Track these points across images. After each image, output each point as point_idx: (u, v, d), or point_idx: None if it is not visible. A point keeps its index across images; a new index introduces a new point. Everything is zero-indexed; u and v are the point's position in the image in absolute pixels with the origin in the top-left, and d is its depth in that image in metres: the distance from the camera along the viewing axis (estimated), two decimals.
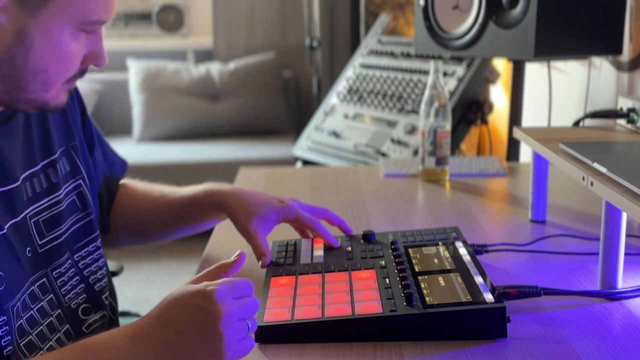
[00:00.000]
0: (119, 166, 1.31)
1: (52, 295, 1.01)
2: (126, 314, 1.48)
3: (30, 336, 0.94)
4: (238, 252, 0.91)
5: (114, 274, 1.40)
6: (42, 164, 1.04)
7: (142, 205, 1.29)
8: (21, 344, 0.92)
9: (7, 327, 0.90)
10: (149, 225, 1.30)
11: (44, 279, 1.00)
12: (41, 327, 0.97)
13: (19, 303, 0.93)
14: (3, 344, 0.89)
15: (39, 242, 1.00)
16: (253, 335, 0.85)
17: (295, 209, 1.21)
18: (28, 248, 0.97)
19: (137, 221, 1.29)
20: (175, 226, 1.30)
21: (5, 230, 0.93)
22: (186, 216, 1.27)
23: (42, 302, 0.98)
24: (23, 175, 0.99)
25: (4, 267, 0.90)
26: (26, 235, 0.97)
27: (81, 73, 0.97)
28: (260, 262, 1.14)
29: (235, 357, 0.81)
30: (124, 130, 4.00)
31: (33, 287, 0.97)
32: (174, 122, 3.85)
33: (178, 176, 3.54)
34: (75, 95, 1.17)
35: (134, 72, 3.92)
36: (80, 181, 1.12)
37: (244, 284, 0.84)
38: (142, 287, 3.16)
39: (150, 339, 0.80)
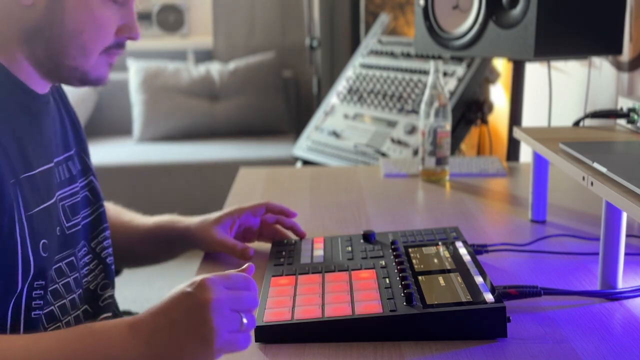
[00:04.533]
0: None
1: (77, 274, 1.07)
2: (127, 313, 1.48)
3: (53, 307, 1.01)
4: (247, 264, 0.90)
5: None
6: (64, 155, 1.11)
7: (113, 228, 1.29)
8: (44, 311, 0.99)
9: (42, 292, 0.97)
10: (118, 249, 1.29)
11: (72, 258, 1.06)
12: (64, 300, 1.03)
13: (52, 271, 1.01)
14: (34, 306, 0.95)
15: (66, 225, 1.06)
16: (252, 334, 0.85)
17: (243, 206, 1.25)
18: (58, 227, 1.04)
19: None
20: (139, 253, 1.33)
21: (48, 204, 1.00)
22: (150, 242, 1.30)
23: (69, 279, 1.05)
24: (56, 160, 1.06)
25: (48, 235, 0.98)
26: (57, 215, 1.04)
27: (118, 46, 1.04)
28: (245, 256, 1.18)
29: (226, 347, 0.81)
30: (124, 130, 4.00)
31: (60, 264, 1.04)
32: (174, 122, 3.85)
33: (178, 176, 3.54)
34: (74, 114, 1.22)
35: (134, 72, 3.92)
36: (92, 177, 1.18)
37: (240, 276, 0.85)
38: (142, 287, 3.16)
39: (144, 327, 0.82)
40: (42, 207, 0.99)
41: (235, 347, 0.82)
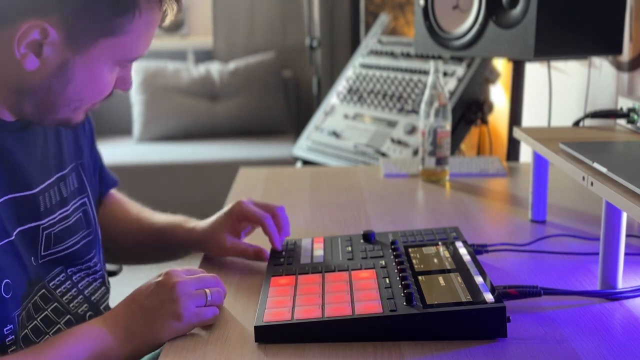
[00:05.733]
0: (111, 182, 1.31)
1: (56, 303, 1.02)
2: None
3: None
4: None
5: (113, 273, 1.40)
6: (55, 176, 1.05)
7: (119, 222, 1.28)
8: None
9: (14, 337, 0.92)
10: (122, 242, 1.28)
11: (44, 290, 1.00)
12: (47, 336, 0.98)
13: (24, 312, 0.94)
14: (9, 353, 0.91)
15: (42, 253, 1.00)
16: (217, 307, 0.97)
17: (242, 204, 1.18)
18: (32, 257, 0.98)
19: (111, 237, 1.25)
20: (144, 250, 1.30)
21: (13, 237, 0.93)
22: (156, 243, 1.27)
23: (46, 312, 0.99)
24: (41, 187, 1.00)
25: (11, 274, 0.92)
26: (33, 244, 0.98)
27: (108, 96, 1.00)
28: (260, 257, 1.15)
29: (194, 319, 0.93)
30: (124, 130, 4.00)
31: (36, 298, 0.98)
32: (174, 122, 3.85)
33: (178, 176, 3.54)
34: (87, 121, 1.19)
35: (134, 72, 3.90)
36: (86, 199, 1.13)
37: (197, 270, 1.01)
38: None
39: (117, 315, 0.94)
40: (4, 241, 0.92)
41: (202, 318, 0.94)
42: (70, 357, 0.88)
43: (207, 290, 0.95)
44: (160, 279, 0.95)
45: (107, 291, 1.17)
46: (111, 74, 0.96)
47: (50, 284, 1.02)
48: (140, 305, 0.93)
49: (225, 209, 1.20)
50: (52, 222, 1.02)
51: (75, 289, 1.07)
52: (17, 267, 0.94)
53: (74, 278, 1.08)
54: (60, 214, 1.05)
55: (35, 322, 0.97)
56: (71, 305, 1.05)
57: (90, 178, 1.17)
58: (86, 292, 1.10)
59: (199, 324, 0.94)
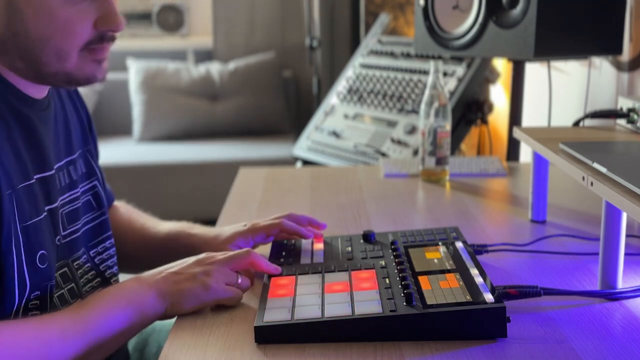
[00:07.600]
0: (110, 197, 1.29)
1: (73, 284, 1.05)
2: None
3: None
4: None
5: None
6: (65, 160, 1.08)
7: (124, 233, 1.27)
8: None
9: (38, 302, 0.95)
10: (128, 255, 1.27)
11: (66, 268, 1.04)
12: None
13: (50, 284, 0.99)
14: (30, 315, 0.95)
15: (63, 233, 1.04)
16: (242, 293, 1.02)
17: (257, 225, 1.20)
18: (58, 237, 1.02)
19: (117, 248, 1.24)
20: (150, 260, 1.25)
21: (45, 213, 0.98)
22: (161, 253, 1.24)
23: (63, 290, 1.03)
24: (55, 167, 1.03)
25: (46, 247, 0.96)
26: (57, 223, 1.02)
27: (100, 39, 0.96)
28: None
29: (221, 293, 0.99)
30: (124, 130, 4.00)
31: (56, 275, 1.01)
32: (174, 122, 3.85)
33: (178, 176, 3.54)
34: (86, 112, 1.20)
35: (134, 72, 3.92)
36: (96, 182, 1.16)
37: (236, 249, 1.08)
38: None
39: (150, 276, 0.99)
40: (39, 217, 0.95)
41: (228, 295, 1.00)
42: (109, 316, 0.93)
43: (239, 276, 1.02)
44: (199, 257, 1.03)
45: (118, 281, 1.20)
46: (72, 6, 0.92)
47: (74, 264, 1.06)
48: (174, 271, 1.00)
49: (236, 227, 1.20)
50: (64, 201, 1.05)
51: (93, 272, 1.11)
52: (49, 241, 0.97)
53: (96, 260, 1.12)
54: (70, 195, 1.07)
55: (54, 298, 1.00)
56: (84, 289, 1.08)
57: (97, 163, 1.19)
58: (107, 273, 1.14)
59: (224, 300, 1.00)
